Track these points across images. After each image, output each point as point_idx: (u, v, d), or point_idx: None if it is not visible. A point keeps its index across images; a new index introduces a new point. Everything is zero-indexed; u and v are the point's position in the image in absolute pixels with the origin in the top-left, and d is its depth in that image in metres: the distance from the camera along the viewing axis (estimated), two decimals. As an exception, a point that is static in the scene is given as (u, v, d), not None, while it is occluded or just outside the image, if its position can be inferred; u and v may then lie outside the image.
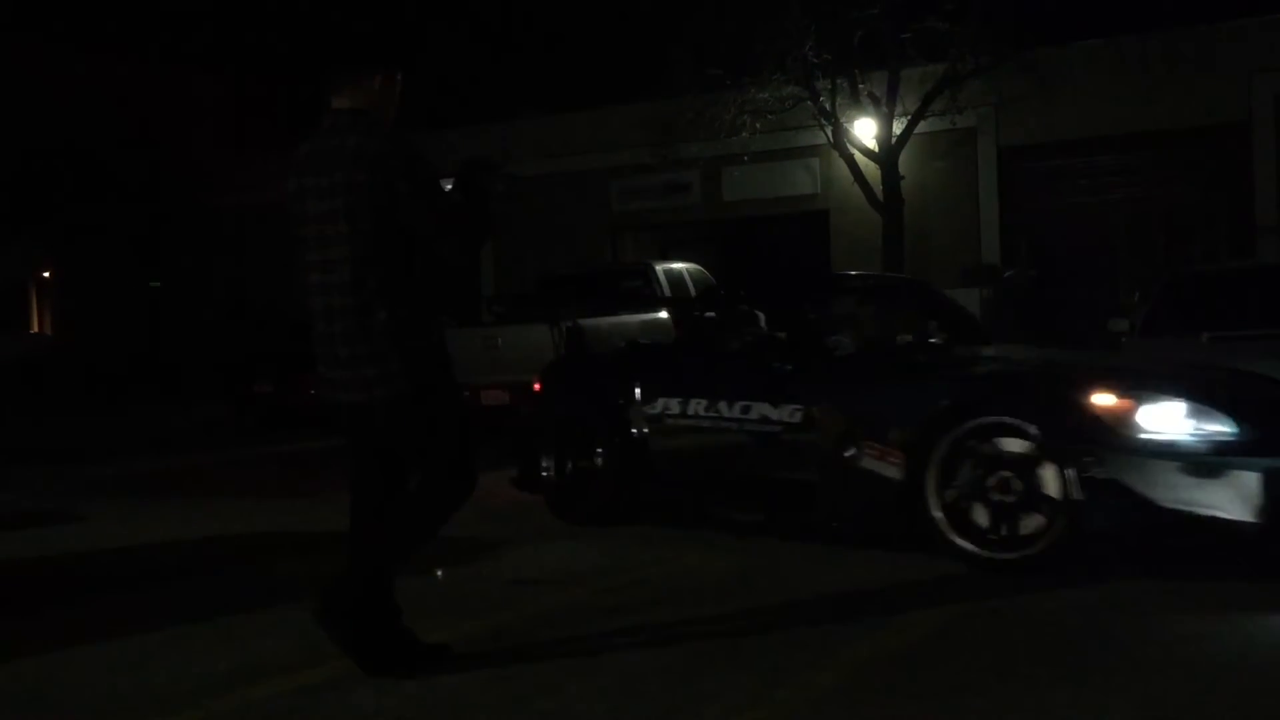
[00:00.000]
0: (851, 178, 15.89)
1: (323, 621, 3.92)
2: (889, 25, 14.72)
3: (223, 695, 3.88)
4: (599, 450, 6.65)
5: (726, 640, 4.34)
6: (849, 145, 15.69)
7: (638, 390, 6.55)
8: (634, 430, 6.53)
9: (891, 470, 5.43)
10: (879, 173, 15.64)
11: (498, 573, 5.54)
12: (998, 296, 17.23)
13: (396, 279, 3.80)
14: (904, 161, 15.85)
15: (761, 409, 5.97)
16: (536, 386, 7.37)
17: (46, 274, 25.20)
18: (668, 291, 13.32)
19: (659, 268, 13.77)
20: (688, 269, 14.36)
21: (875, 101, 15.47)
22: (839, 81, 15.35)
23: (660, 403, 6.44)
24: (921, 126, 15.72)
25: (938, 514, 5.27)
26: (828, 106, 15.45)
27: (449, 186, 3.90)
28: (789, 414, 5.85)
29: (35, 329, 25.21)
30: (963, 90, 15.25)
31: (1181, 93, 16.11)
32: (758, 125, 15.75)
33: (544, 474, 6.86)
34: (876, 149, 15.67)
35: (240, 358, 16.36)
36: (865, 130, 15.91)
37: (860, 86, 15.34)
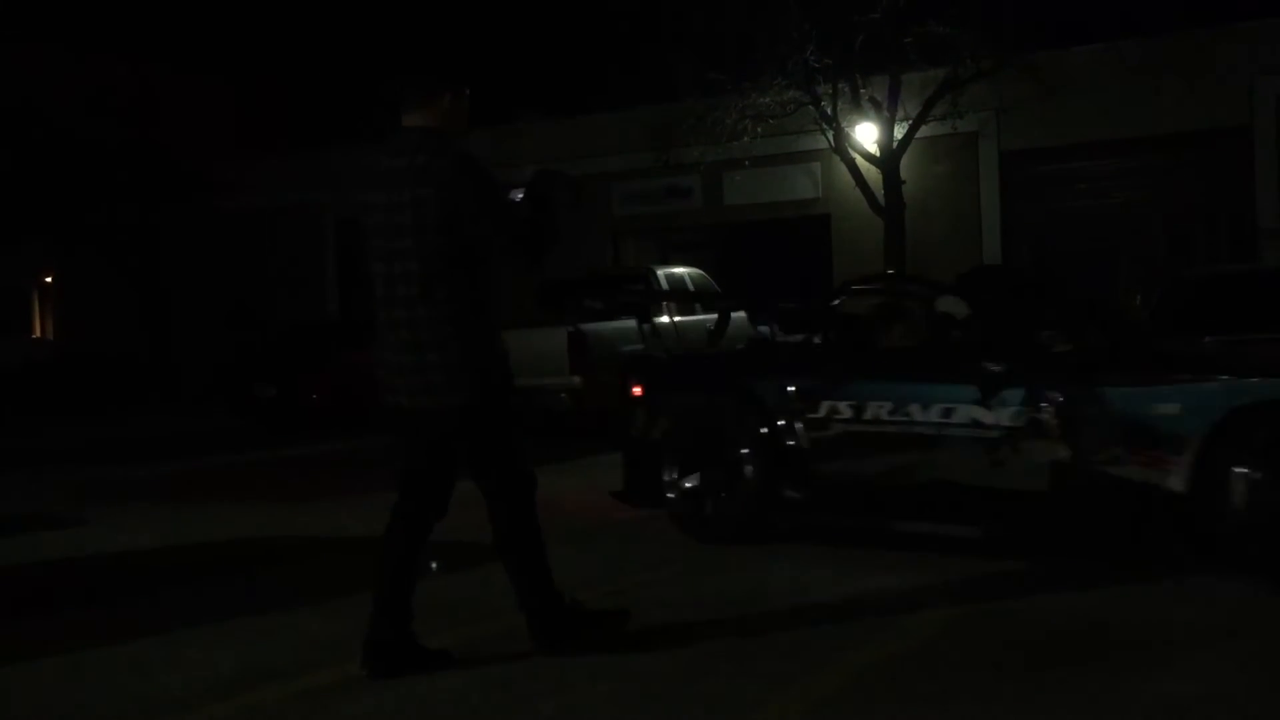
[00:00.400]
0: (853, 182, 15.89)
1: (561, 643, 4.17)
2: (890, 29, 14.71)
3: (225, 699, 3.89)
4: (744, 457, 6.01)
5: (729, 644, 4.33)
6: (850, 150, 15.68)
7: (791, 391, 5.96)
8: (788, 436, 5.92)
9: (1171, 480, 4.86)
10: (880, 177, 15.63)
11: (502, 576, 5.52)
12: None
13: (463, 290, 3.90)
14: (905, 166, 15.84)
15: (970, 412, 5.39)
16: (636, 390, 6.58)
17: (49, 278, 25.21)
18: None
19: (660, 272, 13.76)
20: (689, 273, 14.35)
21: (876, 106, 15.47)
22: (840, 86, 15.34)
23: (825, 406, 5.82)
24: (923, 131, 15.72)
25: (1250, 534, 4.72)
26: (829, 111, 15.44)
27: (519, 196, 4.00)
28: (1009, 417, 5.29)
29: (37, 334, 25.21)
30: (964, 95, 15.25)
31: (1183, 96, 16.09)
32: (759, 129, 15.74)
33: (669, 490, 6.24)
34: (878, 153, 15.67)
35: (242, 361, 16.36)
36: (866, 135, 15.90)
37: (861, 91, 15.34)
